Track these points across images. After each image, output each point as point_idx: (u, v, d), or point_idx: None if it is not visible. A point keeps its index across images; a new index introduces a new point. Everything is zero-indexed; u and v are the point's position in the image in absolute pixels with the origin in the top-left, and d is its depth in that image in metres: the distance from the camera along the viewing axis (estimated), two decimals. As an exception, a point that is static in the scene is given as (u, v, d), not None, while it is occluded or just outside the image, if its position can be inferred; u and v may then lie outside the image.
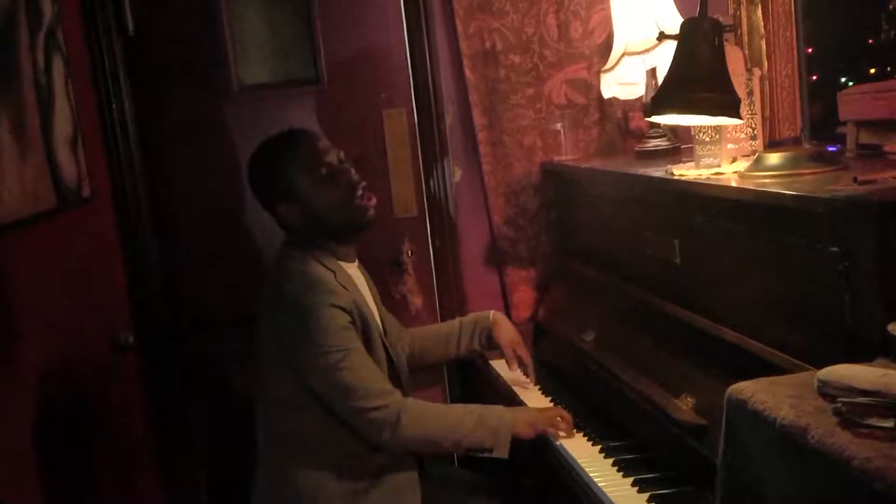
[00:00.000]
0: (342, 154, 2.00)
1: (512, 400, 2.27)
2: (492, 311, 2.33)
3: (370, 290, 2.09)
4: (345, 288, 1.91)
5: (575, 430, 2.00)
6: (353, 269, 2.02)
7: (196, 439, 2.76)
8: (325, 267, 1.92)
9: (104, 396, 2.38)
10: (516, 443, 1.93)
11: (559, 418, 1.99)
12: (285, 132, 2.04)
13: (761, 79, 2.09)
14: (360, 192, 1.95)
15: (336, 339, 1.84)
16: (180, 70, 2.70)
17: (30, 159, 1.99)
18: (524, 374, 2.34)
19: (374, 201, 1.98)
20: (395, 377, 1.99)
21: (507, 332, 2.29)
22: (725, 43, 1.66)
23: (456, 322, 2.34)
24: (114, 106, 2.60)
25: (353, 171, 1.98)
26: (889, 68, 2.16)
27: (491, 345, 2.32)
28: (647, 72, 2.40)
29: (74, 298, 2.23)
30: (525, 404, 2.20)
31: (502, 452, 1.91)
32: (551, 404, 2.18)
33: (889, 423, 1.05)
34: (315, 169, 1.93)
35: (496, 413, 1.95)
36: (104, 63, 2.57)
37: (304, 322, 1.85)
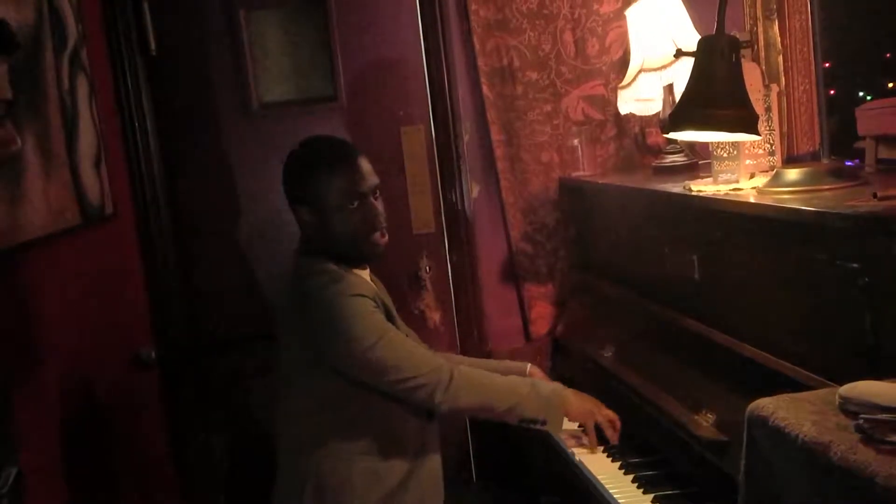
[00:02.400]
0: (377, 184, 1.98)
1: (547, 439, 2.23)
2: (528, 365, 2.26)
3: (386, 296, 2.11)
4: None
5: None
6: (365, 275, 2.04)
7: (216, 455, 2.77)
8: (339, 268, 1.94)
9: (125, 411, 2.40)
10: (532, 455, 1.92)
11: (612, 421, 1.98)
12: (335, 143, 2.04)
13: (779, 94, 2.10)
14: (377, 233, 1.96)
15: (368, 323, 1.84)
16: (201, 88, 2.74)
17: (54, 177, 2.02)
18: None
19: (385, 239, 1.99)
20: None
21: None
22: (742, 59, 1.66)
23: (491, 363, 2.31)
24: (136, 124, 2.64)
25: (379, 206, 1.97)
26: (908, 83, 2.16)
27: None
28: (663, 88, 2.41)
29: (97, 314, 2.26)
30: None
31: (555, 428, 1.93)
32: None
33: (912, 440, 1.04)
34: (345, 194, 1.92)
35: (551, 385, 1.97)
36: (127, 82, 2.61)
37: (333, 314, 1.84)
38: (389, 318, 1.93)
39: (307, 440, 1.94)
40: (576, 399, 1.98)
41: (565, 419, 1.96)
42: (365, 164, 1.98)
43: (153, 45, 2.65)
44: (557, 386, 1.99)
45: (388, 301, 2.04)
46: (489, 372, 1.97)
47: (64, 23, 2.20)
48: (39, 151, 1.95)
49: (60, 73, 2.14)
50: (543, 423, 1.92)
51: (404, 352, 1.86)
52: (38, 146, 1.94)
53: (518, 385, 1.94)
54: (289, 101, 2.78)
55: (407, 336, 2.02)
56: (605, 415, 1.99)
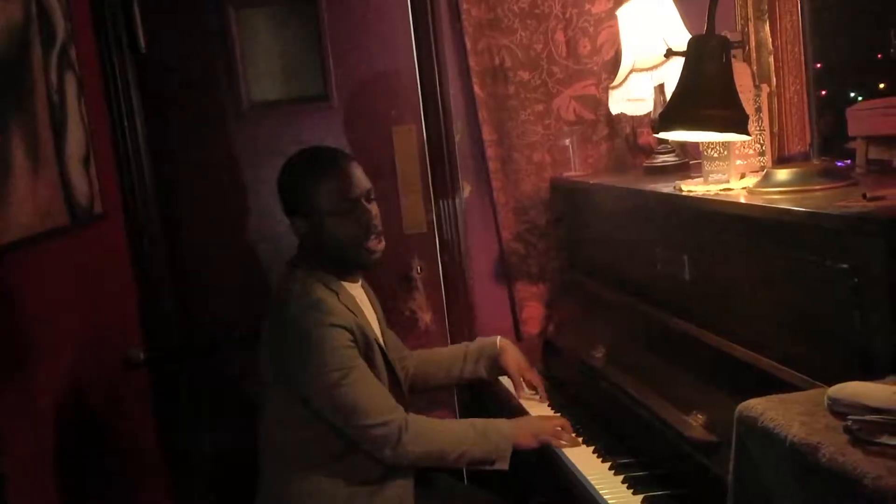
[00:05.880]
0: (372, 190, 1.98)
1: (520, 415, 2.26)
2: (498, 338, 2.32)
3: (374, 308, 2.10)
4: (347, 308, 1.92)
5: (585, 446, 2.00)
6: (357, 289, 2.03)
7: (205, 456, 2.75)
8: (327, 287, 1.93)
9: (115, 413, 2.38)
10: (523, 455, 1.93)
11: (559, 428, 2.01)
12: (325, 150, 2.05)
13: (770, 95, 2.10)
14: (372, 237, 1.95)
15: (337, 358, 1.85)
16: (192, 87, 2.72)
17: (43, 176, 2.01)
18: (536, 398, 2.33)
19: (382, 245, 1.99)
20: (397, 393, 2.00)
21: (514, 357, 2.29)
22: (733, 59, 1.66)
23: (462, 346, 2.35)
24: (126, 123, 2.62)
25: (374, 211, 1.97)
26: (898, 83, 2.15)
27: (497, 371, 2.32)
28: (655, 88, 2.41)
29: (86, 315, 2.24)
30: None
31: (503, 465, 1.94)
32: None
33: (900, 441, 1.04)
34: (337, 201, 1.92)
35: (497, 427, 1.98)
36: (116, 81, 2.60)
37: (305, 343, 1.86)
38: (368, 346, 1.93)
39: (280, 448, 1.96)
40: (523, 428, 1.99)
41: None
42: (356, 169, 1.97)
43: (143, 44, 2.63)
44: (504, 425, 1.99)
45: (374, 321, 2.04)
46: (440, 421, 1.99)
47: (52, 20, 2.18)
48: (27, 150, 1.94)
49: (48, 71, 2.12)
50: (492, 463, 1.94)
51: (365, 397, 1.86)
52: (25, 145, 1.93)
53: (466, 434, 1.94)
54: (279, 101, 2.77)
55: (391, 350, 2.02)
56: (552, 427, 2.00)
